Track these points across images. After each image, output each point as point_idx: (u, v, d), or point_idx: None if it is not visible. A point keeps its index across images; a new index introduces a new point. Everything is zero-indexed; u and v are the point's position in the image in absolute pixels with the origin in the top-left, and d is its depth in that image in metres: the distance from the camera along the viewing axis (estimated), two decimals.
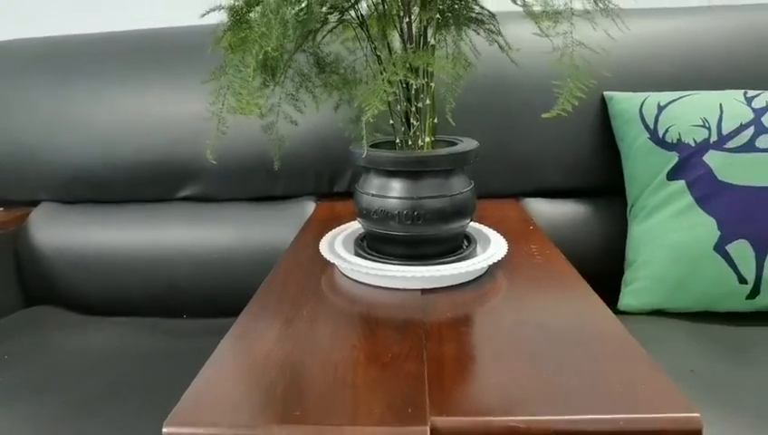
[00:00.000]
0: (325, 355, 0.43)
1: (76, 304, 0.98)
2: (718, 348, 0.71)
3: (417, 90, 0.55)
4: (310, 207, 0.99)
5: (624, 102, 0.88)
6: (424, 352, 0.43)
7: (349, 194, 1.00)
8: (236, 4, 0.57)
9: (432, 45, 0.53)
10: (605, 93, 0.92)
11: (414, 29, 0.53)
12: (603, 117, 0.93)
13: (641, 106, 0.85)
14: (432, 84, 0.55)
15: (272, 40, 0.41)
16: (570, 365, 0.41)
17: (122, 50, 1.03)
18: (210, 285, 0.98)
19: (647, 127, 0.84)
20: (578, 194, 0.96)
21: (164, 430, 0.34)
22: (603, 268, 0.88)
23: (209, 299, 0.98)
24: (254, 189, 0.99)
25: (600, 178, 0.94)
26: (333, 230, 0.69)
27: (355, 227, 0.71)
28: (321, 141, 0.95)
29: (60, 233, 0.99)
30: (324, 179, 0.99)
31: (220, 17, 0.60)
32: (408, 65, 0.47)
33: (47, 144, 0.99)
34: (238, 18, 0.56)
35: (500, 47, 0.61)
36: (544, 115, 0.48)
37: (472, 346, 0.45)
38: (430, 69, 0.51)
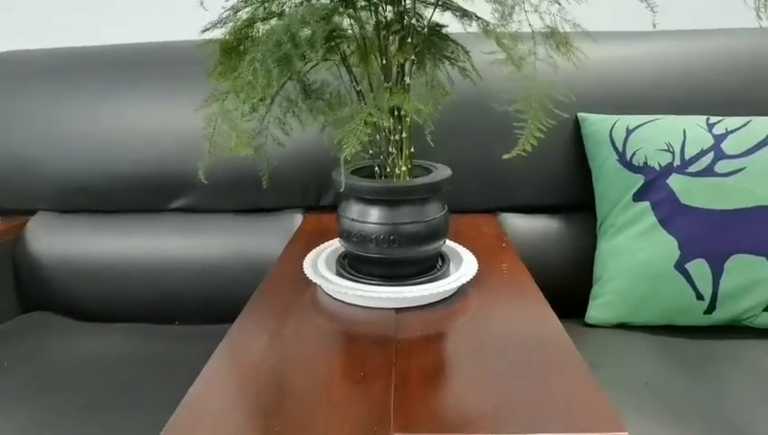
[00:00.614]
0: (305, 372, 0.48)
1: (72, 310, 1.01)
2: (675, 362, 0.76)
3: (394, 124, 0.59)
4: (297, 219, 1.03)
5: (596, 124, 0.93)
6: (393, 369, 0.48)
7: (334, 207, 1.04)
8: (228, 38, 0.61)
9: (408, 84, 0.58)
10: (579, 114, 0.97)
11: (392, 68, 0.57)
12: (577, 136, 0.98)
13: (611, 129, 0.90)
14: (408, 119, 0.59)
15: (257, 91, 0.46)
16: (521, 385, 0.45)
17: (119, 64, 1.07)
18: (201, 292, 1.02)
19: (616, 149, 0.89)
20: (552, 209, 1.01)
21: None
22: (575, 281, 0.94)
23: (201, 306, 1.02)
24: (243, 202, 1.03)
25: (574, 194, 0.99)
26: (317, 248, 0.74)
27: (338, 244, 0.75)
28: (308, 157, 1.00)
29: (56, 241, 1.02)
30: (311, 193, 1.04)
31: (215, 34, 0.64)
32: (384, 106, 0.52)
33: (44, 155, 1.03)
34: (228, 53, 0.61)
35: (473, 81, 0.66)
36: (505, 157, 0.52)
37: (437, 365, 0.50)
38: (406, 108, 0.55)
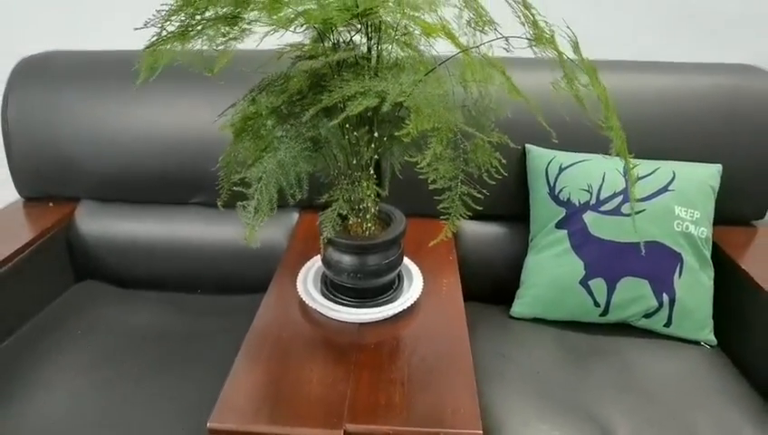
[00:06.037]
0: (295, 376, 0.75)
1: (113, 279, 1.28)
2: (568, 354, 1.04)
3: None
4: (294, 216, 1.27)
5: (537, 159, 1.14)
6: (350, 376, 0.75)
7: (326, 205, 1.28)
8: (237, 125, 0.82)
9: (372, 174, 0.79)
10: (526, 146, 1.17)
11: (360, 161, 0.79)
12: (524, 160, 1.18)
13: (548, 165, 1.12)
14: (371, 195, 0.81)
15: (264, 207, 0.68)
16: (430, 389, 0.73)
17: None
18: (217, 270, 1.28)
19: (548, 183, 1.11)
20: (497, 218, 1.24)
21: (208, 425, 0.66)
22: (509, 277, 1.20)
23: (216, 281, 1.29)
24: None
25: (516, 208, 1.22)
26: (306, 264, 0.99)
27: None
28: None
29: (99, 225, 1.27)
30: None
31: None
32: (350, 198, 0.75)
33: (85, 151, 1.23)
34: (239, 133, 0.81)
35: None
36: (431, 244, 0.76)
37: (381, 372, 0.77)
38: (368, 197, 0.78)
